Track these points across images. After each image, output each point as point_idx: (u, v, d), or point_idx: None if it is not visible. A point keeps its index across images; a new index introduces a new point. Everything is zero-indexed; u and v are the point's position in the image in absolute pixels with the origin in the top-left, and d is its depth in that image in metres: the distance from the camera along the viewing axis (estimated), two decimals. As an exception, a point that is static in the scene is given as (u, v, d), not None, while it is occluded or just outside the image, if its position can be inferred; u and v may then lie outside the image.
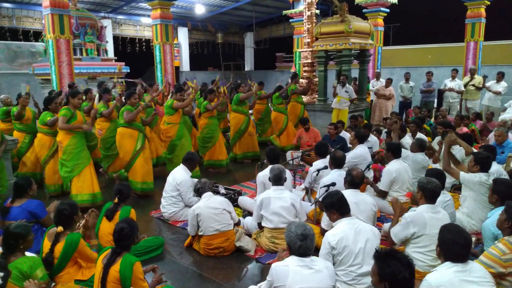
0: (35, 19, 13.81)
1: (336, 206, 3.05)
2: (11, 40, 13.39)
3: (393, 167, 4.73)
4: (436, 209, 3.29)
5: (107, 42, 12.73)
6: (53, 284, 2.92)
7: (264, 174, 4.57)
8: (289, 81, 9.16)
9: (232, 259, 3.87)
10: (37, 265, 2.66)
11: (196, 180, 5.19)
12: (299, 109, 8.79)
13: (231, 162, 7.44)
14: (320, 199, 4.21)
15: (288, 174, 4.37)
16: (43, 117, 5.64)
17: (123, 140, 5.63)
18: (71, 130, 5.10)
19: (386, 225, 3.92)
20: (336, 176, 4.30)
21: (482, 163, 4.12)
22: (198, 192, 4.08)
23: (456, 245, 2.36)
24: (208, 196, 4.00)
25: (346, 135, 6.83)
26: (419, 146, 5.21)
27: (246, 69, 21.19)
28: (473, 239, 3.50)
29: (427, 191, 3.29)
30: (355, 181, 3.66)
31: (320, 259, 2.68)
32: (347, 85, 8.55)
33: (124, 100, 5.91)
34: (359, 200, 3.57)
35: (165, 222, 4.84)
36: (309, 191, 4.92)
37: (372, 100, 11.05)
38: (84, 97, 6.49)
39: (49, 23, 8.39)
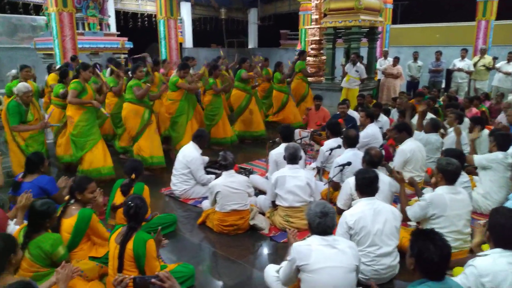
0: (35, -8, 13.45)
1: (357, 183, 3.00)
2: (10, 13, 13.06)
3: (407, 147, 4.66)
4: (456, 190, 3.24)
5: (109, 16, 12.44)
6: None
7: (277, 152, 4.50)
8: (295, 57, 8.95)
9: (246, 237, 3.86)
10: (58, 243, 2.63)
11: (206, 158, 5.17)
12: (304, 87, 8.60)
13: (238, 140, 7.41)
14: (333, 179, 4.18)
15: (302, 152, 4.31)
16: (56, 89, 5.61)
17: (129, 115, 5.58)
18: (81, 104, 5.04)
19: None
20: (350, 155, 4.25)
21: (499, 141, 4.07)
22: (221, 167, 4.04)
23: (509, 231, 2.21)
24: (229, 174, 3.95)
25: (354, 114, 6.72)
26: (433, 126, 5.13)
27: (249, 47, 20.81)
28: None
29: (448, 173, 3.21)
30: (373, 160, 3.60)
31: (343, 238, 2.64)
32: (357, 64, 8.37)
33: (130, 74, 5.81)
34: (377, 180, 3.51)
35: (176, 200, 4.81)
36: (321, 171, 4.86)
37: (379, 79, 10.89)
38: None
39: (52, -5, 8.15)
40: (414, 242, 2.04)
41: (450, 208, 3.14)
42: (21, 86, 4.71)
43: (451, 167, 3.22)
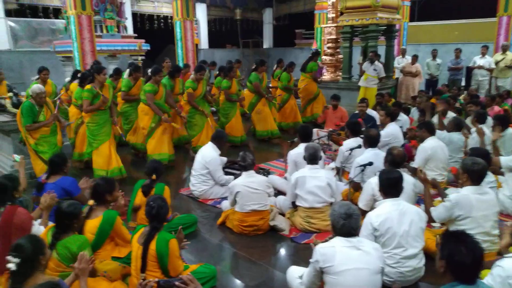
0: (54, -4, 13.69)
1: (381, 183, 2.95)
2: (31, 17, 13.33)
3: (428, 144, 4.58)
4: (482, 190, 3.15)
5: (126, 18, 12.57)
6: None
7: (296, 153, 4.47)
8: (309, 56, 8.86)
9: (266, 238, 3.83)
10: (85, 245, 2.66)
11: (224, 158, 5.18)
12: (315, 87, 8.54)
13: (256, 141, 7.49)
14: (354, 179, 4.12)
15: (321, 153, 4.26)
16: (76, 95, 5.76)
17: (141, 115, 5.96)
18: (95, 110, 5.21)
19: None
20: (371, 155, 4.18)
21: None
22: (240, 167, 4.06)
23: None
24: (249, 174, 3.94)
25: (373, 113, 6.63)
26: (455, 125, 5.02)
27: (264, 47, 20.79)
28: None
29: (474, 174, 3.13)
30: (396, 160, 3.53)
31: (368, 240, 2.59)
32: (375, 62, 8.25)
33: (150, 74, 5.89)
34: (400, 180, 3.44)
35: (195, 200, 4.83)
36: (341, 171, 4.80)
37: (397, 78, 10.73)
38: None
39: (71, -2, 8.28)
40: (444, 244, 1.99)
41: (477, 209, 3.06)
42: (35, 87, 4.85)
43: (477, 167, 3.14)
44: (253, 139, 7.61)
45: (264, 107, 7.46)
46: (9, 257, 2.12)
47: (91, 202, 3.12)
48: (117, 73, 6.74)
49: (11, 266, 2.11)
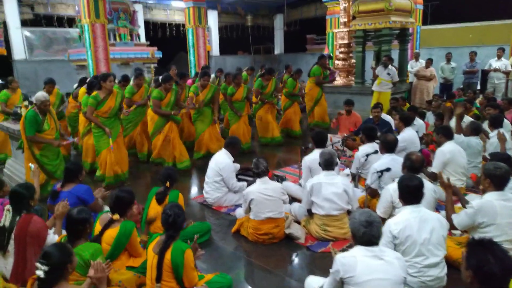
0: (69, 5, 13.90)
1: (401, 191, 2.86)
2: (46, 27, 13.57)
3: (447, 148, 4.47)
4: (506, 196, 3.04)
5: (139, 27, 12.70)
6: None
7: (311, 159, 4.40)
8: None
9: (282, 247, 3.76)
10: (98, 253, 2.64)
11: (238, 165, 5.13)
12: (317, 91, 8.46)
13: (270, 147, 7.51)
14: (371, 185, 4.03)
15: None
16: (84, 101, 5.83)
17: (148, 120, 6.28)
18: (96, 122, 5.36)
19: (444, 213, 3.70)
20: (389, 160, 4.09)
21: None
22: (254, 174, 4.01)
23: None
24: (263, 181, 3.88)
25: (387, 118, 6.52)
26: (473, 130, 4.90)
27: (276, 53, 20.80)
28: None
29: (496, 178, 3.03)
30: (414, 165, 3.44)
31: (390, 249, 2.51)
32: (389, 66, 8.16)
33: (160, 81, 5.93)
34: (420, 186, 3.34)
35: (208, 208, 4.77)
36: (357, 177, 4.71)
37: (411, 82, 10.60)
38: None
39: (85, 7, 8.38)
40: (471, 253, 1.90)
41: (501, 215, 2.95)
42: (40, 94, 4.80)
43: (500, 172, 3.04)
44: (258, 145, 7.66)
45: (267, 114, 7.49)
46: (37, 264, 2.13)
47: (116, 216, 3.08)
48: (125, 79, 6.81)
49: (40, 273, 2.11)
